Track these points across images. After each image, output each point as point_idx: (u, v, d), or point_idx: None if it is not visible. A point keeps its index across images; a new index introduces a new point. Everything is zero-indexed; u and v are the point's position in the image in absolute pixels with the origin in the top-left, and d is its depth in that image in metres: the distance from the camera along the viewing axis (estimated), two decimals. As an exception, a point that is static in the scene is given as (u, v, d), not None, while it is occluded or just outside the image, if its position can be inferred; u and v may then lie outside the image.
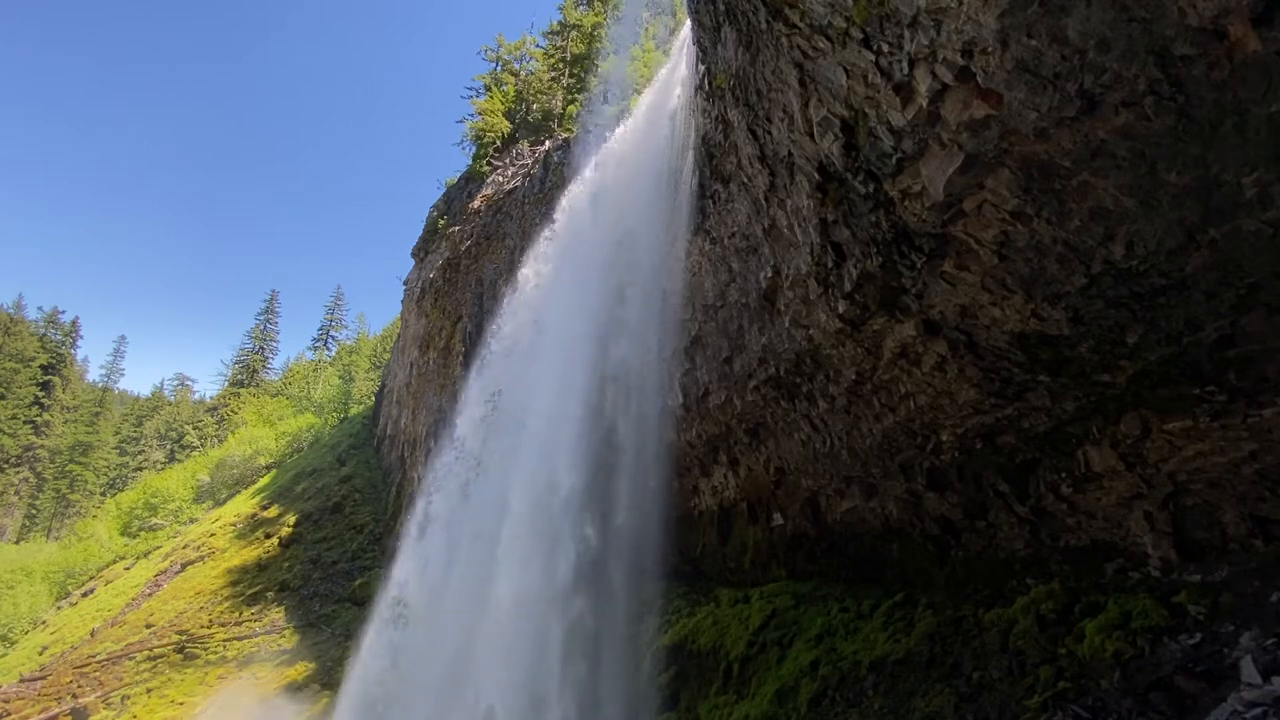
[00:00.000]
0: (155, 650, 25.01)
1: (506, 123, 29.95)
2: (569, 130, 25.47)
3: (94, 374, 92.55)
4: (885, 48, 5.03)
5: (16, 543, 62.00)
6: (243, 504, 41.01)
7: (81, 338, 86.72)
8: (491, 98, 30.93)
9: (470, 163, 31.43)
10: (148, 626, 27.65)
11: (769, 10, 6.20)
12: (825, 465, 10.39)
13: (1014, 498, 7.96)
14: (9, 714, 22.49)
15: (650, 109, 16.32)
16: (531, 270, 18.98)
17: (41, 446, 73.36)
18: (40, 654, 30.48)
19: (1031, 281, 5.62)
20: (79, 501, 69.80)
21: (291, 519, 34.61)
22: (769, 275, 9.14)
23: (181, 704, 21.49)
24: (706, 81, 9.56)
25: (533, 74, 32.20)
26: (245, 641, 24.93)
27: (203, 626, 26.32)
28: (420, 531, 19.69)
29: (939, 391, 7.64)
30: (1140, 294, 5.21)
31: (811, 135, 6.56)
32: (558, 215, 18.78)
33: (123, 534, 45.54)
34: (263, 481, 44.69)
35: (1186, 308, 5.17)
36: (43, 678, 25.32)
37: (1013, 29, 4.13)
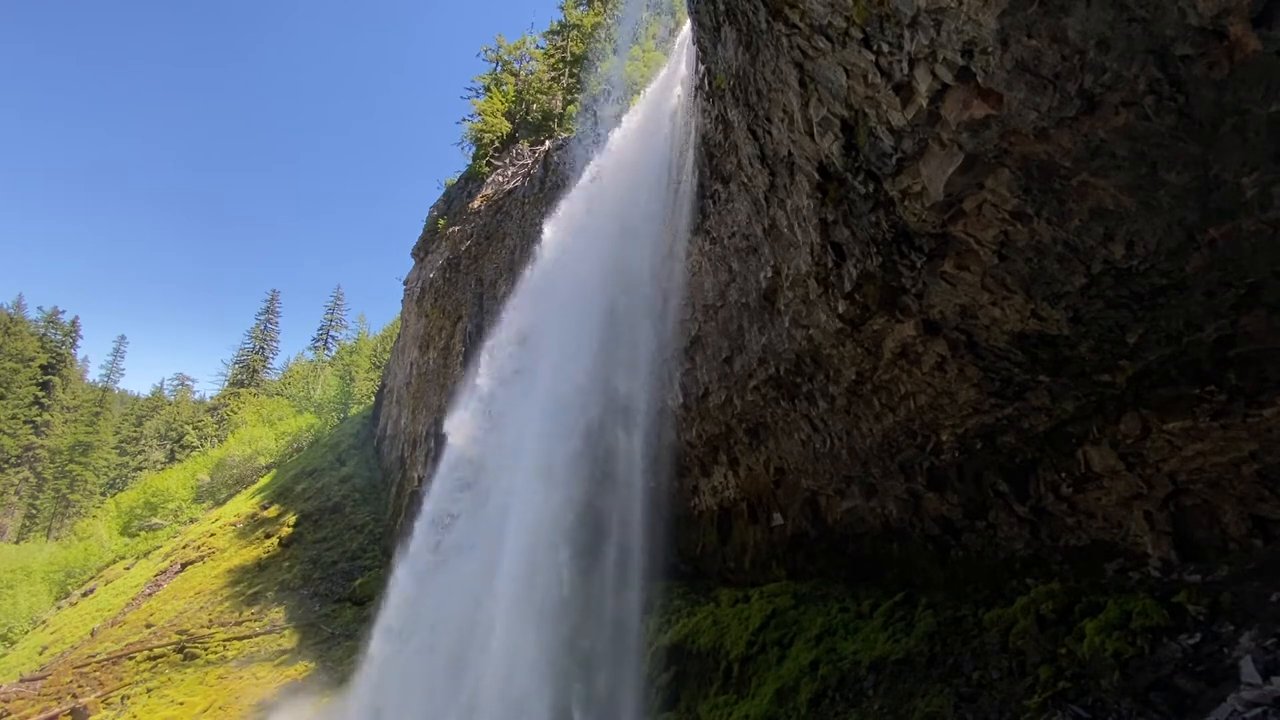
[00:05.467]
0: (155, 650, 25.00)
1: (506, 123, 29.97)
2: (569, 130, 25.49)
3: (94, 374, 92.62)
4: (885, 48, 5.03)
5: (16, 543, 61.95)
6: (243, 504, 41.00)
7: (81, 338, 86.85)
8: (491, 98, 30.95)
9: (470, 163, 31.47)
10: (148, 626, 27.65)
11: (769, 10, 6.20)
12: (825, 465, 10.39)
13: (1014, 498, 7.96)
14: (9, 714, 22.48)
15: (650, 109, 16.30)
16: (531, 269, 18.98)
17: (41, 446, 73.35)
18: (40, 654, 30.47)
19: (1031, 281, 5.62)
20: (79, 501, 69.81)
21: (291, 519, 34.60)
22: (769, 275, 9.14)
23: (181, 704, 21.46)
24: (706, 81, 9.56)
25: (533, 74, 32.24)
26: (245, 641, 24.91)
27: (203, 626, 26.31)
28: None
29: (939, 391, 7.64)
30: (1140, 294, 5.21)
31: (811, 135, 6.56)
32: (557, 215, 18.77)
33: (123, 534, 45.52)
34: (263, 481, 44.67)
35: (1186, 308, 5.17)
36: (43, 677, 25.31)
37: (1013, 29, 4.13)
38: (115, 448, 79.14)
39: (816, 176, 6.94)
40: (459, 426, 19.41)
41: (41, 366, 75.79)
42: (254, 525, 35.86)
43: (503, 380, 18.43)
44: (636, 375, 13.64)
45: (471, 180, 30.10)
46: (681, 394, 12.78)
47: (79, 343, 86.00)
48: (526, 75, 32.70)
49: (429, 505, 19.84)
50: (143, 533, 43.65)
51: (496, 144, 29.64)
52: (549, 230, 18.95)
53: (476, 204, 27.43)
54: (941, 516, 9.06)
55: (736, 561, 13.58)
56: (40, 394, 74.95)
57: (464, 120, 32.08)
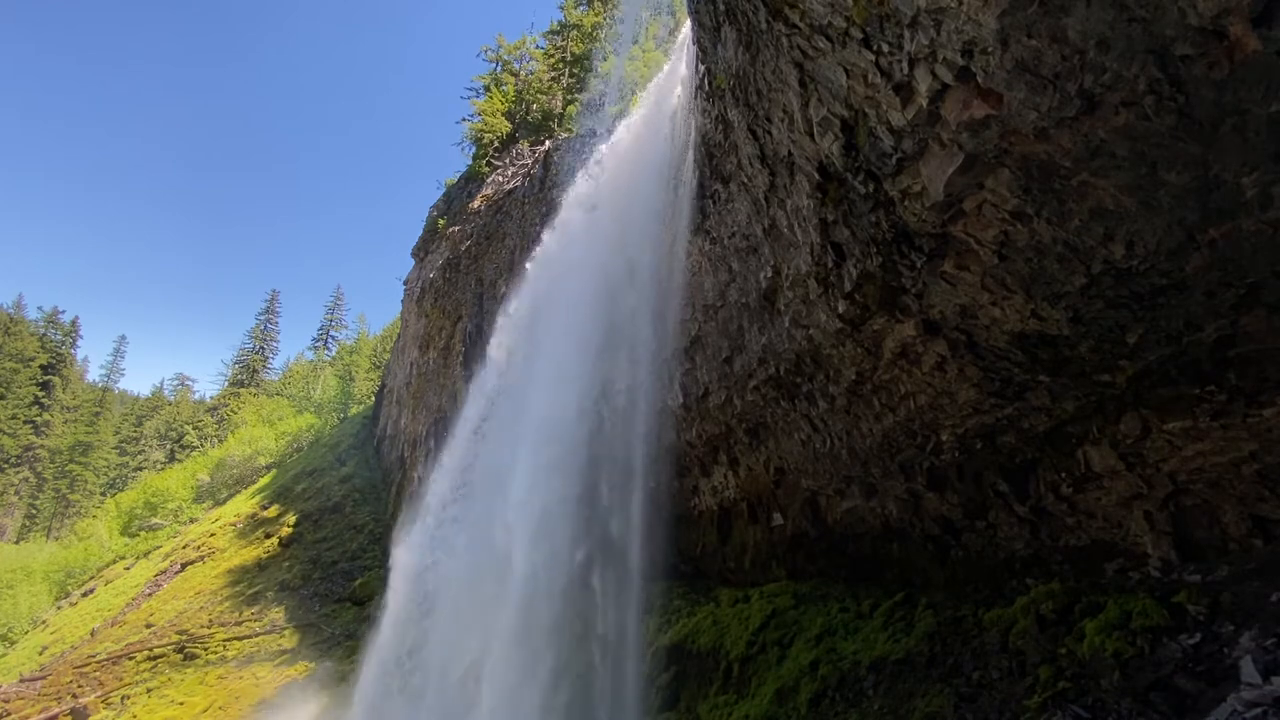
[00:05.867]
0: (155, 650, 25.00)
1: (506, 123, 29.97)
2: (569, 130, 25.49)
3: (94, 374, 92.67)
4: (885, 48, 5.03)
5: (16, 543, 61.97)
6: (243, 504, 41.01)
7: (81, 338, 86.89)
8: (491, 98, 30.95)
9: (470, 163, 31.47)
10: (148, 626, 27.65)
11: (769, 10, 6.20)
12: (825, 465, 10.39)
13: (1014, 498, 7.96)
14: (9, 714, 22.48)
15: (650, 109, 16.28)
16: (531, 270, 18.90)
17: (41, 446, 73.35)
18: (40, 654, 30.48)
19: (1031, 281, 5.62)
20: (79, 501, 69.83)
21: (291, 519, 34.60)
22: (769, 275, 9.14)
23: (181, 704, 21.47)
24: (706, 81, 9.56)
25: (533, 74, 32.24)
26: (245, 641, 24.92)
27: (203, 626, 26.31)
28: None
29: (939, 391, 7.64)
30: (1140, 294, 5.21)
31: (811, 135, 6.56)
32: (557, 215, 18.74)
33: (123, 534, 45.54)
34: (263, 481, 44.68)
35: (1186, 308, 5.17)
36: (43, 677, 25.31)
37: (1013, 29, 4.13)
38: (115, 448, 79.16)
39: (816, 176, 6.94)
40: (401, 564, 17.40)
41: (41, 366, 75.82)
42: (254, 525, 35.86)
43: (439, 526, 16.72)
44: (637, 374, 13.55)
45: (471, 180, 30.10)
46: (681, 394, 12.78)
47: (79, 343, 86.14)
48: (526, 75, 32.69)
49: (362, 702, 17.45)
50: (143, 533, 43.64)
51: (496, 144, 29.64)
52: (498, 346, 17.82)
53: (476, 204, 27.43)
54: (941, 516, 9.06)
55: (736, 561, 13.58)
56: (40, 394, 74.97)
57: (464, 120, 32.11)
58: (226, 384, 76.22)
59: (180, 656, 24.34)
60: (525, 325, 17.14)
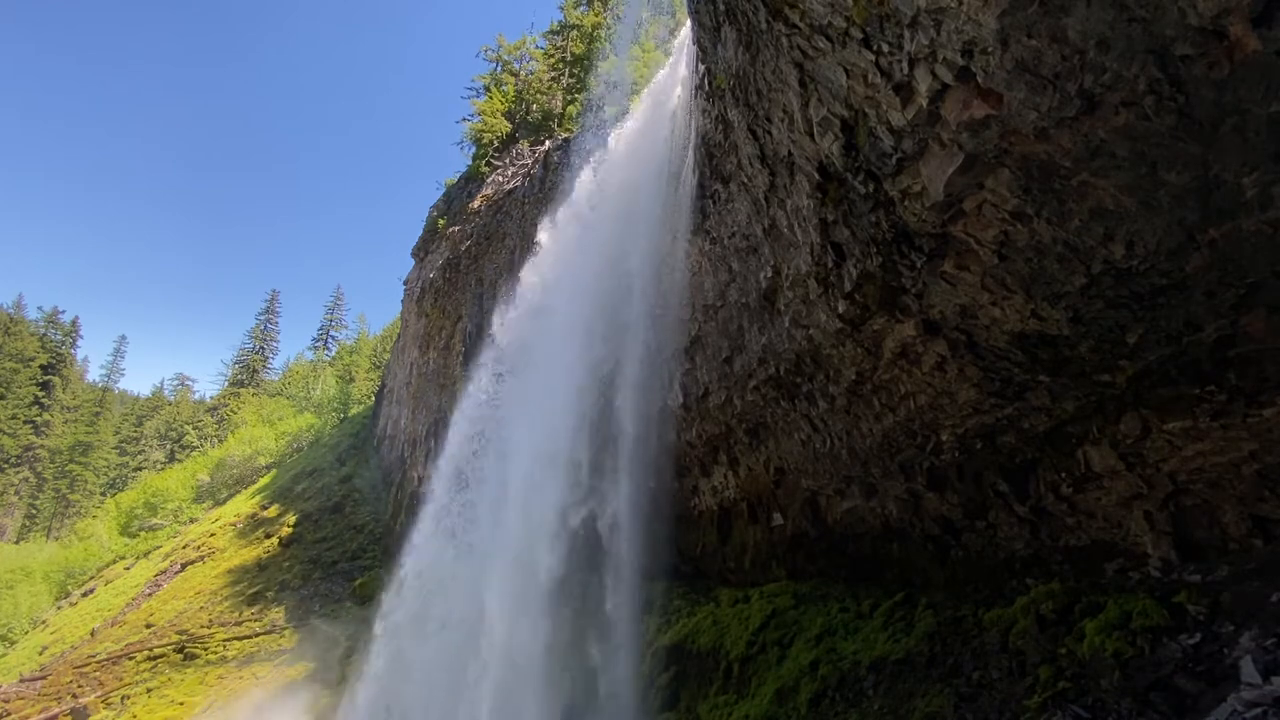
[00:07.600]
0: (155, 650, 25.00)
1: (506, 123, 29.97)
2: (569, 130, 25.48)
3: (94, 374, 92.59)
4: (885, 48, 5.03)
5: (16, 543, 61.98)
6: (243, 504, 41.00)
7: (81, 338, 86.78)
8: (491, 98, 30.96)
9: (470, 163, 31.47)
10: (148, 626, 27.65)
11: (769, 10, 6.20)
12: (825, 465, 10.39)
13: (1014, 498, 7.96)
14: (9, 714, 22.49)
15: (650, 109, 16.27)
16: (531, 269, 18.88)
17: (41, 446, 73.35)
18: (40, 654, 30.49)
19: (1031, 281, 5.62)
20: (79, 501, 69.82)
21: (291, 519, 34.60)
22: (769, 275, 9.14)
23: (181, 704, 21.48)
24: (706, 81, 9.56)
25: (533, 74, 32.25)
26: (245, 641, 24.92)
27: (203, 626, 26.31)
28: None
29: (939, 391, 7.64)
30: (1140, 294, 5.21)
31: (811, 135, 6.56)
32: (557, 215, 18.74)
33: (123, 534, 45.53)
34: (263, 481, 44.67)
35: (1186, 308, 5.17)
36: (43, 677, 25.31)
37: (1013, 29, 4.13)
38: (115, 448, 79.14)
39: (816, 176, 6.94)
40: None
41: (41, 366, 75.80)
42: (254, 525, 35.86)
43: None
44: (636, 374, 13.52)
45: (471, 180, 30.10)
46: (681, 394, 12.78)
47: (79, 343, 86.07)
48: (526, 75, 32.69)
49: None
50: (143, 533, 43.64)
51: (496, 144, 29.64)
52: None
53: (476, 204, 27.43)
54: (941, 516, 9.06)
55: (736, 561, 13.58)
56: (40, 394, 74.95)
57: (464, 120, 32.13)
58: (226, 384, 76.22)
59: (180, 656, 24.35)
60: (524, 325, 17.32)
